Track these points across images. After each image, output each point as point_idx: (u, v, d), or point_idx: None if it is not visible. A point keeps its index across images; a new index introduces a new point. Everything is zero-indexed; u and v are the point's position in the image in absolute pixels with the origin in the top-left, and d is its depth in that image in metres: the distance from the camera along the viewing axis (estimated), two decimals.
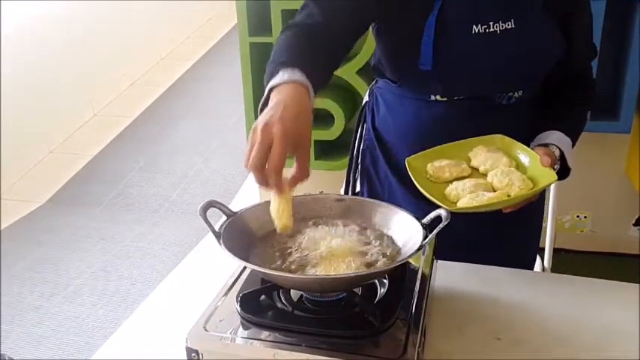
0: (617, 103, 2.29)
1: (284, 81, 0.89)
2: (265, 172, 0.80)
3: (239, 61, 2.46)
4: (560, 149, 1.09)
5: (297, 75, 0.90)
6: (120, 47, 4.78)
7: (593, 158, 2.49)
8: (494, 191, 1.01)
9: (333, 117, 2.43)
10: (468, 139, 1.10)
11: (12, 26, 3.73)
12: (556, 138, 1.10)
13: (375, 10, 1.10)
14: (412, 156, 1.08)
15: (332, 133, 2.46)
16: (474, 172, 1.08)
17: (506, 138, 1.10)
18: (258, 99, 3.01)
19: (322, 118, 2.50)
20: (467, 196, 0.99)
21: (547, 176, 1.01)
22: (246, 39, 2.42)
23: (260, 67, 2.55)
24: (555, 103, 1.18)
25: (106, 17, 4.63)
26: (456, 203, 1.00)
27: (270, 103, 0.86)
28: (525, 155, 1.07)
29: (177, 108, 4.63)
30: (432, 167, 1.07)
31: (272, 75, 0.92)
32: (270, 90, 0.89)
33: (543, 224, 1.38)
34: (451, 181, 1.05)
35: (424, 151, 1.09)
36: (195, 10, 5.90)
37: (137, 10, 4.95)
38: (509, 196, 0.99)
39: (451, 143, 1.10)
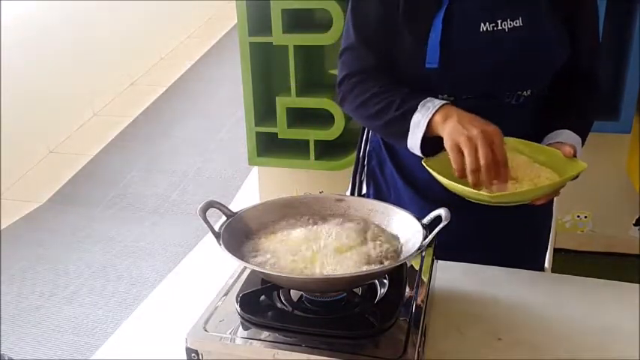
0: (618, 103, 2.29)
1: (440, 105, 1.02)
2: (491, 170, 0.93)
3: (239, 61, 2.46)
4: None
5: (433, 99, 1.04)
6: (120, 47, 4.78)
7: (593, 158, 2.47)
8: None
9: (333, 117, 2.43)
10: None
11: (12, 26, 3.73)
12: (566, 137, 1.10)
13: (396, 13, 1.11)
14: (427, 159, 1.06)
15: (332, 133, 2.46)
16: None
17: (518, 140, 1.08)
18: (258, 99, 3.02)
19: (322, 118, 2.50)
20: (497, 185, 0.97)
21: (575, 165, 1.01)
22: (246, 39, 2.42)
23: (260, 66, 2.56)
24: (563, 102, 1.18)
25: (106, 17, 4.63)
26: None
27: (451, 120, 0.98)
28: (543, 152, 1.06)
29: (177, 108, 4.63)
30: None
31: (408, 113, 1.05)
32: (430, 120, 1.01)
33: None
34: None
35: (438, 155, 1.06)
36: (196, 10, 5.90)
37: (137, 10, 4.95)
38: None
39: None
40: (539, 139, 1.12)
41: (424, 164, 1.03)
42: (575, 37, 1.13)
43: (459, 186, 0.97)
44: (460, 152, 0.96)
